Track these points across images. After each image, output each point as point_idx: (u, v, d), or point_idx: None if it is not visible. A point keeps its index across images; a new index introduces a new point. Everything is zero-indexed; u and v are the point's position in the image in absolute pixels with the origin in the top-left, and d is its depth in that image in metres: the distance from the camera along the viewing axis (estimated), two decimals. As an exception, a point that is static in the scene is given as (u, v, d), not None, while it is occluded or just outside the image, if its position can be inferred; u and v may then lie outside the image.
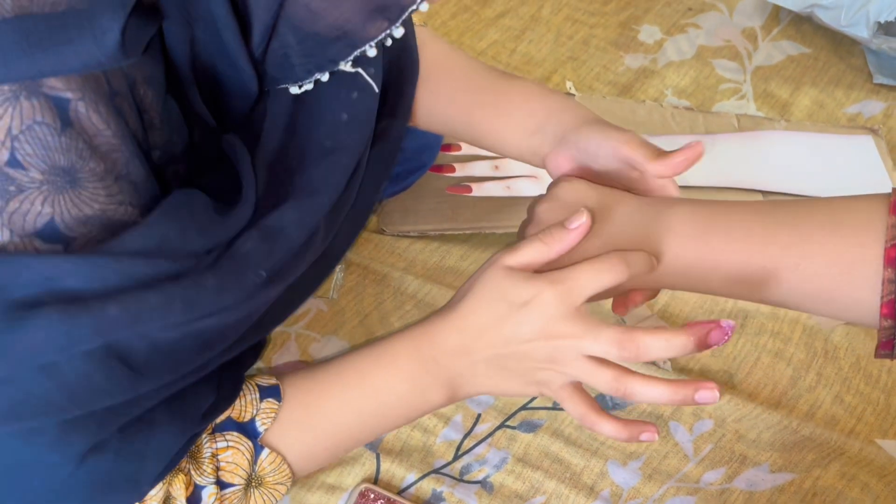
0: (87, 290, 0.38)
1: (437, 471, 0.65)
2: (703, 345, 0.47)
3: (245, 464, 0.51)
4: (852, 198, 0.48)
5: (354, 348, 0.56)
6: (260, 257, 0.44)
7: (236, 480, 0.51)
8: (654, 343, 0.47)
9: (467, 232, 0.76)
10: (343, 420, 0.52)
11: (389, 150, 0.57)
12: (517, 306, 0.48)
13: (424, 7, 0.43)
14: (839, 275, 0.45)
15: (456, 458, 0.66)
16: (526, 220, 0.56)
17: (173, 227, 0.41)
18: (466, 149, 0.78)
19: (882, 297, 0.44)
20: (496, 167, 0.76)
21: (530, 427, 0.68)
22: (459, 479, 0.65)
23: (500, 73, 0.62)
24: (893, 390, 0.70)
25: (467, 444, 0.66)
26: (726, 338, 0.47)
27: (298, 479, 0.58)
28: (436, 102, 0.62)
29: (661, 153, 0.52)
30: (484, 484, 0.65)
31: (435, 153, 0.76)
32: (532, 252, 0.49)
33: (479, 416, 0.68)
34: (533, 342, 0.48)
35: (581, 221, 0.49)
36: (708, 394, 0.48)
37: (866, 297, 0.45)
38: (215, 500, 0.50)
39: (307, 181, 0.47)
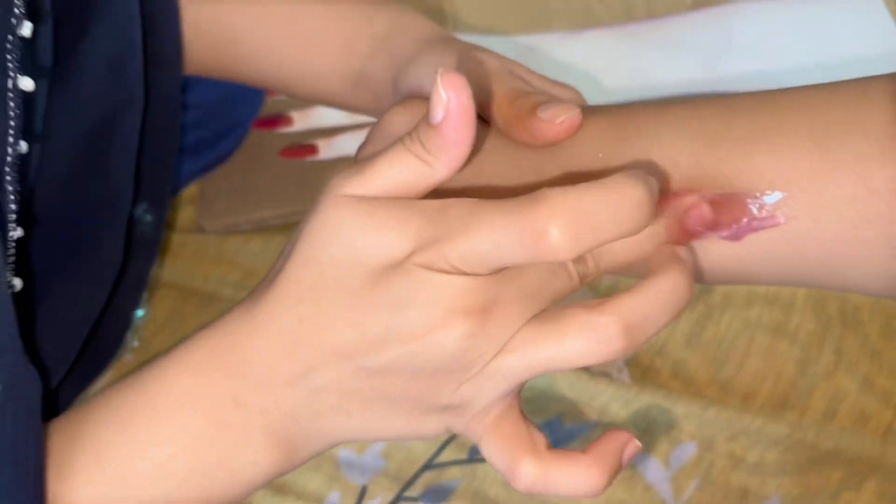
0: None
1: (309, 584, 0.45)
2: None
3: None
4: (848, 87, 0.29)
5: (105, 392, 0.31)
6: None
7: None
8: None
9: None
10: None
11: (161, 109, 0.39)
12: (382, 270, 0.26)
13: None
14: (834, 226, 0.28)
15: (336, 558, 0.46)
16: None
17: None
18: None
19: None
20: (352, 110, 0.53)
21: (440, 494, 0.47)
22: (343, 591, 0.45)
23: None
24: (942, 358, 0.51)
25: (350, 534, 0.47)
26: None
27: None
28: (211, 46, 0.40)
29: (519, 101, 0.32)
30: (379, 593, 0.45)
31: (257, 102, 0.53)
32: (397, 171, 0.27)
33: (365, 489, 0.48)
34: (423, 337, 0.26)
35: (460, 91, 0.26)
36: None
37: (880, 256, 0.28)
38: None
39: None
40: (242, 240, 0.55)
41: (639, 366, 0.51)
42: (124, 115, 0.36)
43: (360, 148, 0.34)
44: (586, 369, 0.50)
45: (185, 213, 0.55)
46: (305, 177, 0.54)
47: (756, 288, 0.53)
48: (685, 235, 0.29)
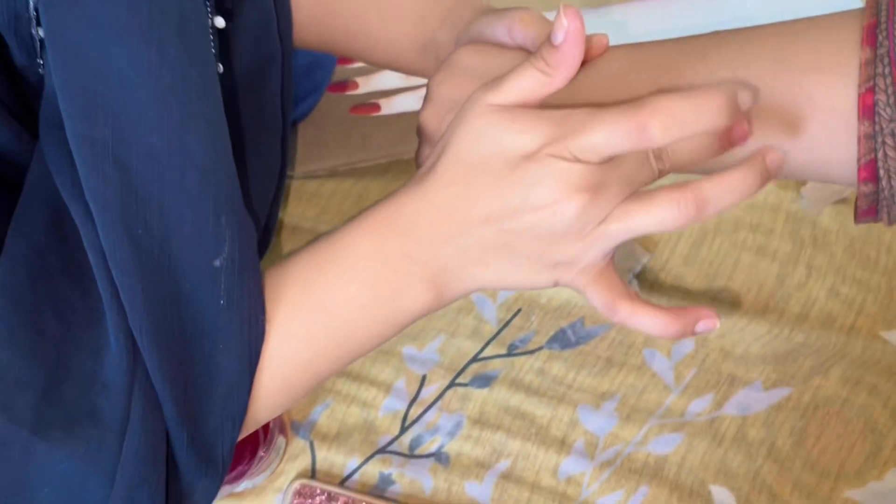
0: None
1: (382, 450, 0.56)
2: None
3: None
4: (805, 23, 0.37)
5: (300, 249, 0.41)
6: None
7: None
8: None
9: (383, 161, 0.64)
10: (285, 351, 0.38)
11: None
12: (520, 159, 0.35)
13: None
14: (802, 128, 0.36)
15: (403, 430, 0.57)
16: (422, 108, 0.43)
17: None
18: (368, 59, 0.65)
19: (858, 159, 0.35)
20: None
21: (484, 381, 0.58)
22: (409, 454, 0.56)
23: None
24: (896, 272, 0.61)
25: (414, 412, 0.58)
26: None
27: None
28: (313, 19, 0.50)
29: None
30: (438, 456, 0.56)
31: (330, 70, 0.64)
32: (525, 82, 0.36)
33: (424, 377, 0.59)
34: (550, 208, 0.35)
35: (576, 20, 0.35)
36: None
37: (840, 155, 0.35)
38: None
39: None
40: (318, 183, 0.66)
41: (646, 280, 0.62)
42: (269, 69, 0.46)
43: (433, 80, 0.43)
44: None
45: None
46: (369, 131, 0.64)
47: (742, 216, 0.64)
48: (728, 145, 0.36)
